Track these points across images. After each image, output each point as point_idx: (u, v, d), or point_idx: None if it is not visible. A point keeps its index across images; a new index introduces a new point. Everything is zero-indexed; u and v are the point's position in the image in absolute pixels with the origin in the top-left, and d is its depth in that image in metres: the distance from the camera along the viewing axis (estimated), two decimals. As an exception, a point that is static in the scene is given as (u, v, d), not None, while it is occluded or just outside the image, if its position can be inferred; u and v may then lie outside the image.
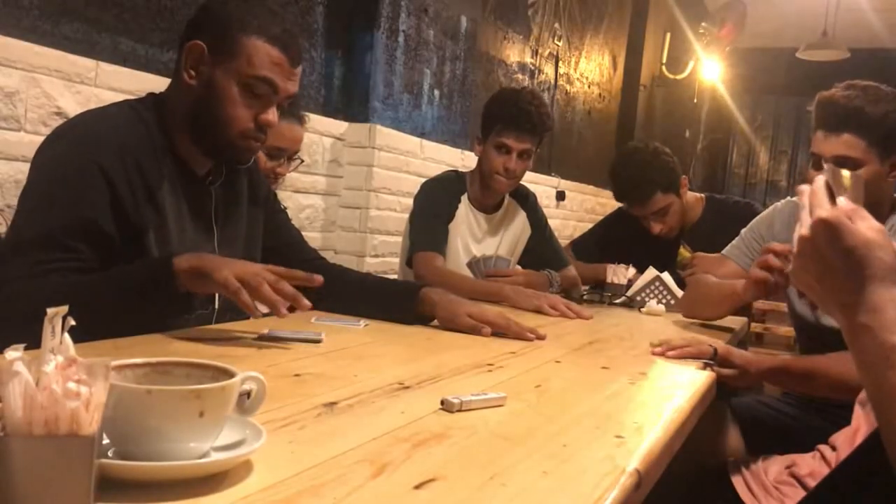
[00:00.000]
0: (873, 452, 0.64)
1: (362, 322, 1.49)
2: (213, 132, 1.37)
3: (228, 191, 1.48)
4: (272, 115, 1.38)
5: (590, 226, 5.36)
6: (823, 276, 0.71)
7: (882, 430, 0.65)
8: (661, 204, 2.58)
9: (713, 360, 1.39)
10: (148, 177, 1.29)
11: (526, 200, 2.57)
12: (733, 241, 2.05)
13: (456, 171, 2.54)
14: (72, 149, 1.26)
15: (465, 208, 2.41)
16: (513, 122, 2.30)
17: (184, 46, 1.35)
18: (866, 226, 0.69)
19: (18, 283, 1.17)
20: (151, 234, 1.30)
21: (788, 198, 2.07)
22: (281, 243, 1.62)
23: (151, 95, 1.41)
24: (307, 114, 2.18)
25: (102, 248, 1.24)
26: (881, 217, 1.75)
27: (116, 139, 1.28)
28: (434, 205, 2.36)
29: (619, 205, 2.87)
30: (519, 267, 2.51)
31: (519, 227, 2.54)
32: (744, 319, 2.28)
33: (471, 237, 2.42)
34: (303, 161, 2.18)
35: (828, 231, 0.70)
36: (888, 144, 1.77)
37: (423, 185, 2.46)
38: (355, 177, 2.93)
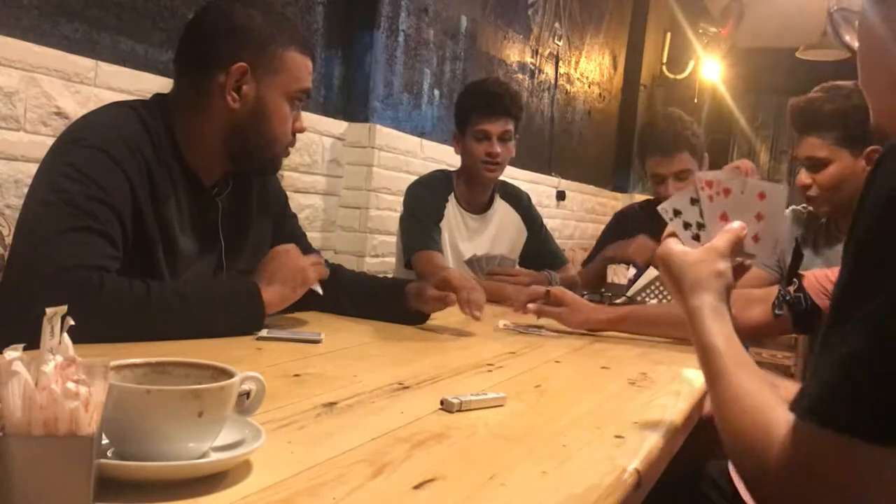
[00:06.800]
0: None
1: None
2: (261, 151, 1.37)
3: (236, 201, 1.45)
4: (303, 120, 1.41)
5: (590, 225, 5.35)
6: (670, 288, 0.96)
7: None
8: (686, 165, 2.51)
9: (546, 299, 1.63)
10: (158, 187, 1.27)
11: (520, 201, 2.57)
12: None
13: (443, 171, 2.54)
14: (93, 152, 1.20)
15: (452, 208, 2.42)
16: (486, 107, 2.33)
17: (209, 68, 1.31)
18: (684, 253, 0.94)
19: (84, 272, 1.11)
20: (160, 247, 1.27)
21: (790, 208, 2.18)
22: None
23: (157, 101, 1.36)
24: (307, 113, 2.18)
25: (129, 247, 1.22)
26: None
27: (133, 146, 1.24)
28: (424, 206, 2.37)
29: (616, 210, 2.90)
30: (523, 269, 2.50)
31: (514, 229, 2.54)
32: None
33: (459, 237, 2.42)
34: None
35: (660, 260, 0.96)
36: (855, 139, 1.86)
37: (410, 188, 2.46)
38: (355, 177, 2.93)
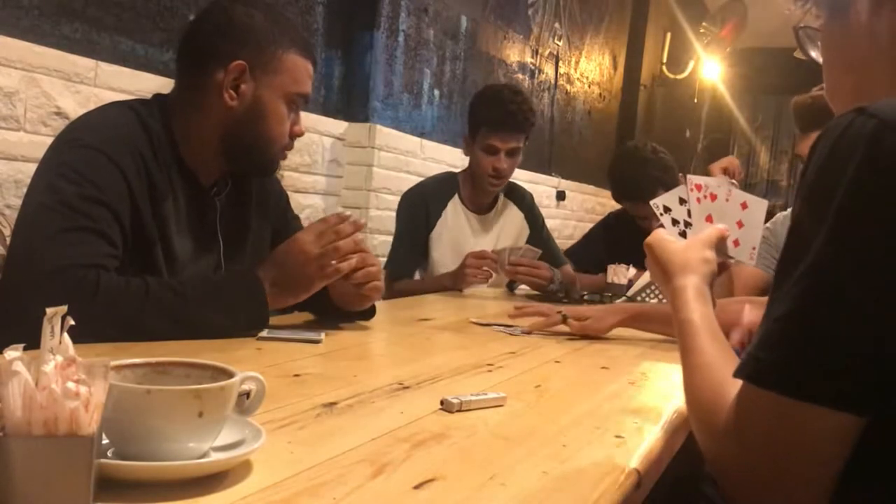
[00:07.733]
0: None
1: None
2: (257, 151, 1.36)
3: (234, 202, 1.44)
4: (302, 124, 1.40)
5: (590, 226, 5.37)
6: (655, 273, 1.03)
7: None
8: None
9: (565, 321, 1.60)
10: (156, 186, 1.26)
11: (522, 200, 2.59)
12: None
13: (449, 173, 2.56)
14: (90, 152, 1.20)
15: (453, 210, 2.43)
16: (499, 123, 2.33)
17: (208, 66, 1.30)
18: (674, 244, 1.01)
19: (79, 271, 1.10)
20: (158, 247, 1.27)
21: (784, 213, 2.25)
22: None
23: (156, 100, 1.36)
24: (307, 114, 2.18)
25: (127, 248, 1.22)
26: None
27: (131, 146, 1.24)
28: (407, 225, 2.41)
29: (615, 208, 2.90)
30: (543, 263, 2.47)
31: (517, 227, 2.56)
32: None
33: (463, 236, 2.43)
34: None
35: (648, 247, 1.03)
36: None
37: (403, 198, 2.49)
38: (355, 177, 2.93)
